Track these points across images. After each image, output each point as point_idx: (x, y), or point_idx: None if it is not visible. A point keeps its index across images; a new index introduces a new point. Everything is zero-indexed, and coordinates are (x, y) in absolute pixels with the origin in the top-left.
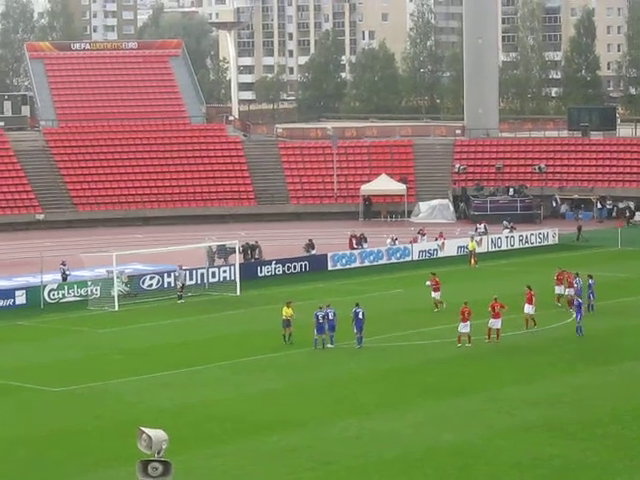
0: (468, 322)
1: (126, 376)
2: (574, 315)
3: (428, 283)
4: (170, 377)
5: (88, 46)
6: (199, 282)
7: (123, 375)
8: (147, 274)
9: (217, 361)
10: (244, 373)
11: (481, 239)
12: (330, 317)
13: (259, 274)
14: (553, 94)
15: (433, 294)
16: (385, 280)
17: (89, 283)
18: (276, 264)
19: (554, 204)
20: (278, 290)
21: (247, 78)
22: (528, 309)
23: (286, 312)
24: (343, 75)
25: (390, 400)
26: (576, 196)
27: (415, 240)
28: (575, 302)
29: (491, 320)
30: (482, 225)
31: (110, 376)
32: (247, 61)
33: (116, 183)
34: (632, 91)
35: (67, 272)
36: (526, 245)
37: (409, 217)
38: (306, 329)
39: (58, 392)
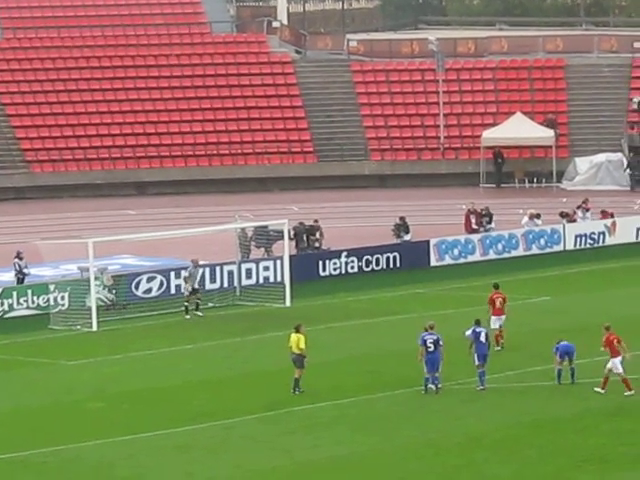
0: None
1: (111, 436)
2: None
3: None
4: (174, 437)
5: None
6: (225, 286)
7: (105, 434)
8: (143, 273)
9: (252, 412)
10: (298, 432)
11: None
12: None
13: (320, 272)
14: None
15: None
16: (522, 282)
17: (51, 288)
18: (348, 257)
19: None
20: (351, 299)
21: None
22: None
23: (295, 343)
24: None
25: (531, 474)
26: None
27: (571, 217)
28: None
29: None
30: None
31: (84, 436)
32: None
33: (92, 129)
34: None
35: (25, 270)
36: None
37: (560, 182)
38: (395, 360)
39: None
